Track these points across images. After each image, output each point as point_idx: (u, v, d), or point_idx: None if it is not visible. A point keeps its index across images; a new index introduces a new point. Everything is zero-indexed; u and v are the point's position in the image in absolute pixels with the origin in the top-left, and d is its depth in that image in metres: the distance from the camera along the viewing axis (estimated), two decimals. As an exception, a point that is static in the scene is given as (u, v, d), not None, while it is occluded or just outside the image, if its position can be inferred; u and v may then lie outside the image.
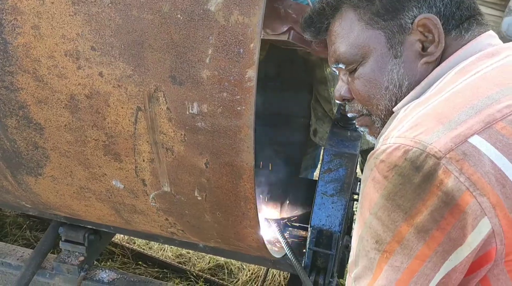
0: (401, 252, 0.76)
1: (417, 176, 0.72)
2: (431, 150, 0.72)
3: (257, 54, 1.02)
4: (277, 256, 1.71)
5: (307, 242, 1.65)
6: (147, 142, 1.18)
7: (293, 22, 1.68)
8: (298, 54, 2.21)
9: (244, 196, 1.20)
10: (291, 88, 2.48)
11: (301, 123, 2.48)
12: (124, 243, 2.88)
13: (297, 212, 2.13)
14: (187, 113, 1.11)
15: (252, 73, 1.03)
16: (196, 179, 1.21)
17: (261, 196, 2.30)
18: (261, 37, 1.81)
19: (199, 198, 1.26)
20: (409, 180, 0.73)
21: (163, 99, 1.11)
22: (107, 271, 2.17)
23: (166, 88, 1.10)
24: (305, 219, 2.10)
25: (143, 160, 1.22)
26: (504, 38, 4.36)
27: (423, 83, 0.89)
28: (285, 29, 1.69)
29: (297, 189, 2.24)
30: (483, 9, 5.86)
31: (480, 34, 0.90)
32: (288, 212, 2.16)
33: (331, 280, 1.68)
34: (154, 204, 1.35)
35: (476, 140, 0.72)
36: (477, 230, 0.71)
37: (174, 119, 1.12)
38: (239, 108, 1.06)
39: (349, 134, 1.71)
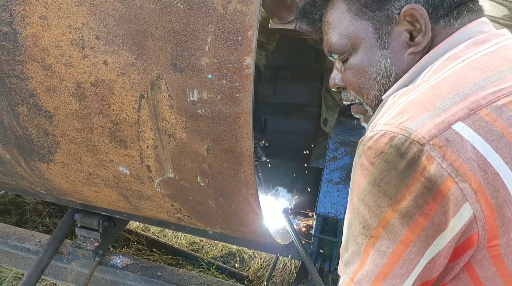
0: (387, 237, 0.77)
1: (402, 162, 0.73)
2: (415, 137, 0.72)
3: (255, 42, 1.04)
4: (283, 243, 1.74)
5: (313, 230, 1.67)
6: (150, 128, 1.21)
7: None
8: (308, 43, 2.21)
9: (245, 182, 1.22)
10: (302, 77, 2.49)
11: (312, 113, 2.49)
12: (139, 231, 2.95)
13: (304, 200, 2.15)
14: (188, 100, 1.13)
15: (250, 60, 1.05)
16: (198, 165, 1.24)
17: (270, 185, 2.32)
18: (269, 27, 1.84)
19: (202, 184, 1.29)
20: (394, 166, 0.74)
21: (165, 86, 1.14)
22: (121, 256, 2.23)
23: (167, 76, 1.13)
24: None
25: (147, 147, 1.26)
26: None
27: (411, 71, 0.89)
28: (292, 18, 1.69)
29: (306, 178, 2.26)
30: (505, -4, 5.70)
31: (471, 21, 0.89)
32: (298, 200, 2.18)
33: (336, 267, 1.70)
34: (159, 190, 1.38)
35: (459, 127, 0.72)
36: (458, 215, 0.72)
37: (176, 106, 1.15)
38: (237, 95, 1.08)
39: (355, 122, 1.72)
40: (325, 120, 2.36)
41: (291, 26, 1.72)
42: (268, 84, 2.32)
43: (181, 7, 1.07)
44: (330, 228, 1.64)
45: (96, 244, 2.21)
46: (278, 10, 1.72)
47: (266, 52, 2.19)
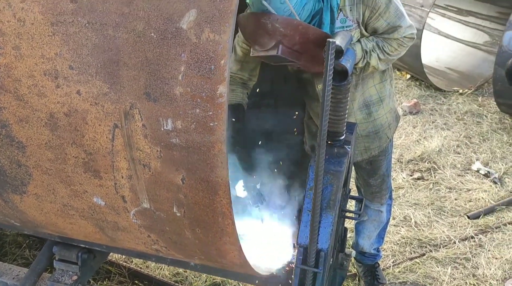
0: None
1: None
2: None
3: (228, 71, 1.04)
4: (265, 274, 1.70)
5: (294, 261, 1.63)
6: (124, 158, 1.19)
7: (281, 36, 1.68)
8: (290, 72, 2.23)
9: (221, 211, 1.20)
10: (285, 105, 2.49)
11: (295, 140, 2.48)
12: (121, 262, 2.87)
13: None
14: (162, 129, 1.12)
15: (223, 89, 1.04)
16: (173, 195, 1.22)
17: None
18: (251, 55, 1.84)
19: (178, 214, 1.26)
20: None
21: (139, 116, 1.13)
22: (100, 290, 2.16)
23: (141, 105, 1.12)
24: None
25: (122, 177, 1.23)
26: (506, 53, 4.35)
27: None
28: (273, 43, 1.69)
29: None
30: (486, 23, 5.85)
31: None
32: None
33: (320, 298, 1.66)
34: (135, 221, 1.35)
35: None
36: None
37: (150, 136, 1.14)
38: (211, 124, 1.07)
39: (335, 150, 1.71)
40: (312, 147, 2.35)
41: (273, 52, 1.72)
42: (251, 112, 2.31)
43: (154, 36, 1.08)
44: (312, 259, 1.60)
45: (75, 277, 2.14)
46: (259, 37, 1.72)
47: (247, 91, 2.18)
